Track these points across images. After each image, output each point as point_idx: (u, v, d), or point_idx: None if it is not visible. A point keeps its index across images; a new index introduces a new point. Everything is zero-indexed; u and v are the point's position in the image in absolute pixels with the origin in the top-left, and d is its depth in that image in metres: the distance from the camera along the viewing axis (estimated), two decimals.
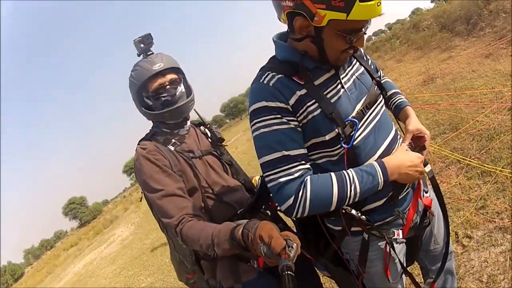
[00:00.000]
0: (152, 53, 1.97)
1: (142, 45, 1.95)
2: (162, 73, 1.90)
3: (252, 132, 1.45)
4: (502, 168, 4.15)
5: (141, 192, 2.01)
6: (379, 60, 18.77)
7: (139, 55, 1.98)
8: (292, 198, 1.38)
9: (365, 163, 1.47)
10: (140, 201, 2.12)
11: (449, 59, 11.35)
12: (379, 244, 1.59)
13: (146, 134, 2.01)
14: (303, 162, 1.42)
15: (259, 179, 2.14)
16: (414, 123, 1.68)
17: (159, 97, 1.91)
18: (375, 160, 1.46)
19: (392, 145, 1.58)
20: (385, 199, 1.54)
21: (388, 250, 1.58)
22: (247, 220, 1.44)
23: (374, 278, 1.65)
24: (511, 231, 3.27)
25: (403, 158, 1.47)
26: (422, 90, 9.14)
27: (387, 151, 1.54)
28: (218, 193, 1.93)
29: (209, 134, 2.16)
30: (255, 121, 1.43)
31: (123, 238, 16.92)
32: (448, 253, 1.83)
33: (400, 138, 1.69)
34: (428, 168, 1.66)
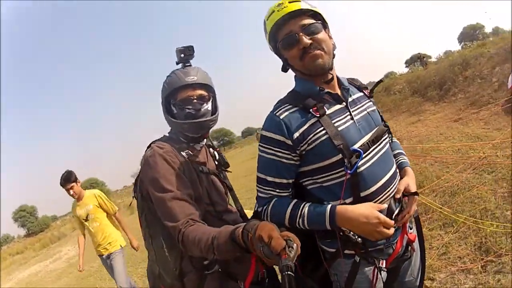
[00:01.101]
0: (190, 65, 2.03)
1: (182, 55, 2.01)
2: (193, 86, 1.95)
3: (258, 149, 1.75)
4: (465, 219, 4.36)
5: (133, 197, 2.03)
6: None
7: (177, 64, 2.04)
8: (260, 209, 1.74)
9: (368, 190, 1.62)
10: (130, 205, 2.12)
11: (418, 122, 11.90)
12: (366, 269, 1.71)
13: (161, 138, 2.05)
14: (278, 190, 1.70)
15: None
16: (407, 180, 1.82)
17: (184, 108, 1.96)
18: (331, 206, 1.58)
19: (394, 178, 1.73)
20: None
21: (375, 275, 1.71)
22: (245, 223, 1.45)
23: None
24: (474, 272, 3.43)
25: (358, 214, 1.54)
26: None
27: (389, 183, 1.69)
28: (218, 210, 1.97)
29: (216, 157, 2.20)
30: (260, 143, 1.73)
31: (69, 256, 16.36)
32: (422, 285, 1.98)
33: (398, 175, 1.83)
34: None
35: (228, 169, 2.24)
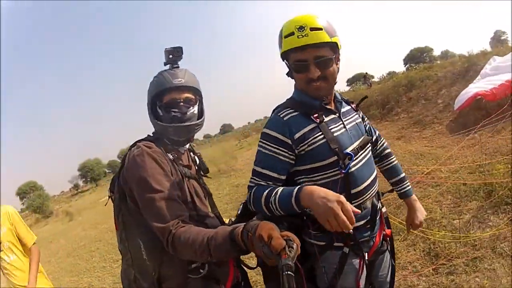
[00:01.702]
0: (178, 67, 2.02)
1: (170, 56, 1.99)
2: (180, 88, 1.95)
3: (258, 145, 1.92)
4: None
5: (109, 197, 1.98)
6: None
7: (165, 64, 2.03)
8: (249, 194, 1.87)
9: (358, 188, 1.84)
10: (105, 205, 2.12)
11: None
12: (353, 260, 1.89)
13: (146, 138, 2.01)
14: (268, 182, 1.84)
15: (229, 221, 2.25)
16: (420, 215, 2.24)
17: (170, 110, 1.95)
18: (301, 185, 1.68)
19: (375, 180, 1.96)
20: (365, 220, 1.91)
21: (361, 265, 1.91)
22: (244, 223, 1.45)
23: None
24: (426, 275, 3.67)
25: (320, 189, 1.58)
26: None
27: (372, 184, 1.92)
28: (200, 215, 1.96)
29: (197, 162, 2.21)
30: (260, 140, 1.90)
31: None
32: (394, 279, 2.22)
33: (378, 179, 2.04)
34: (384, 209, 2.12)
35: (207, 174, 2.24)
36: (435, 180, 6.25)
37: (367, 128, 2.13)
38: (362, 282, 1.94)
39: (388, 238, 2.12)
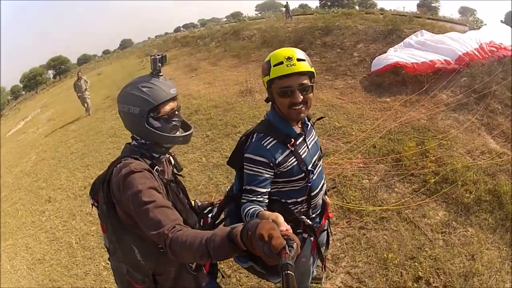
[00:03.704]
0: (162, 75, 2.18)
1: (159, 64, 2.15)
2: (175, 98, 2.18)
3: (245, 168, 2.39)
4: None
5: (92, 204, 2.28)
6: (192, 58, 19.47)
7: (153, 72, 2.16)
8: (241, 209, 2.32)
9: (315, 192, 2.57)
10: (90, 213, 2.22)
11: None
12: (307, 240, 2.66)
13: (132, 153, 2.18)
14: (254, 196, 2.34)
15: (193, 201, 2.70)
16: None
17: (171, 120, 2.16)
18: (262, 212, 2.13)
19: (324, 183, 2.73)
20: (317, 213, 2.75)
21: (315, 242, 2.76)
22: (243, 224, 1.55)
23: (300, 261, 2.67)
24: (341, 226, 4.67)
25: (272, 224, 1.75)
26: (240, 101, 10.53)
27: (323, 186, 2.69)
28: (183, 217, 2.04)
29: (172, 162, 2.50)
30: (246, 163, 2.38)
31: None
32: (329, 242, 3.22)
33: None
34: (328, 199, 2.89)
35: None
36: (347, 136, 7.17)
37: (318, 143, 2.73)
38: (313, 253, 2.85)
39: (329, 219, 3.00)
